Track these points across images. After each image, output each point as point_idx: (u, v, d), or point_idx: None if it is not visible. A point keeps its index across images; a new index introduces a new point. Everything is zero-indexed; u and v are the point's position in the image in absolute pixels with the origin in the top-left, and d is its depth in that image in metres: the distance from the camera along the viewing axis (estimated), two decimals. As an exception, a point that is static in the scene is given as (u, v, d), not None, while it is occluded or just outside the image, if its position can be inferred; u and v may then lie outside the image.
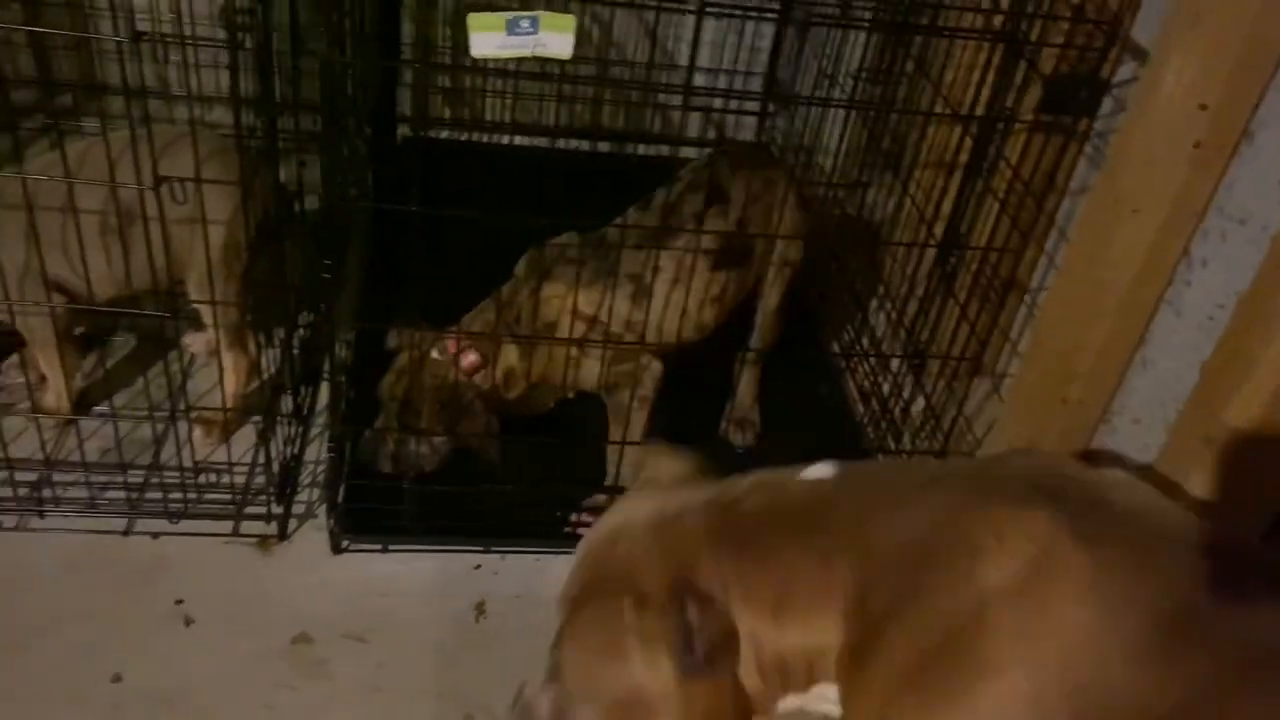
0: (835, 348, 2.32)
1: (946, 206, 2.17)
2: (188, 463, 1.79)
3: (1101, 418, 1.81)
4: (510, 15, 1.26)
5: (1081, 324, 1.76)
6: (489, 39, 1.27)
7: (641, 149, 2.89)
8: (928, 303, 1.98)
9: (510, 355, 1.77)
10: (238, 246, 1.75)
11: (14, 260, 1.67)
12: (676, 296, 1.76)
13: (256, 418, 1.92)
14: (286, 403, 1.89)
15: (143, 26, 2.26)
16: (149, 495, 1.77)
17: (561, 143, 2.77)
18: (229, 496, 1.78)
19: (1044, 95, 1.71)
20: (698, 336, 1.84)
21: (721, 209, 1.81)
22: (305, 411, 1.97)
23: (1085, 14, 1.48)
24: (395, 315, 1.85)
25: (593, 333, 1.75)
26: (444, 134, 2.80)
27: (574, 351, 1.75)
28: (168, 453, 1.84)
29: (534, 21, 1.26)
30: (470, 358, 1.76)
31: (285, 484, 1.81)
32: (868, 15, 2.11)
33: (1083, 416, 1.82)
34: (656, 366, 1.78)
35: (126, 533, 1.74)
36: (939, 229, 2.02)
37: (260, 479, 1.80)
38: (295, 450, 1.89)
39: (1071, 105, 1.66)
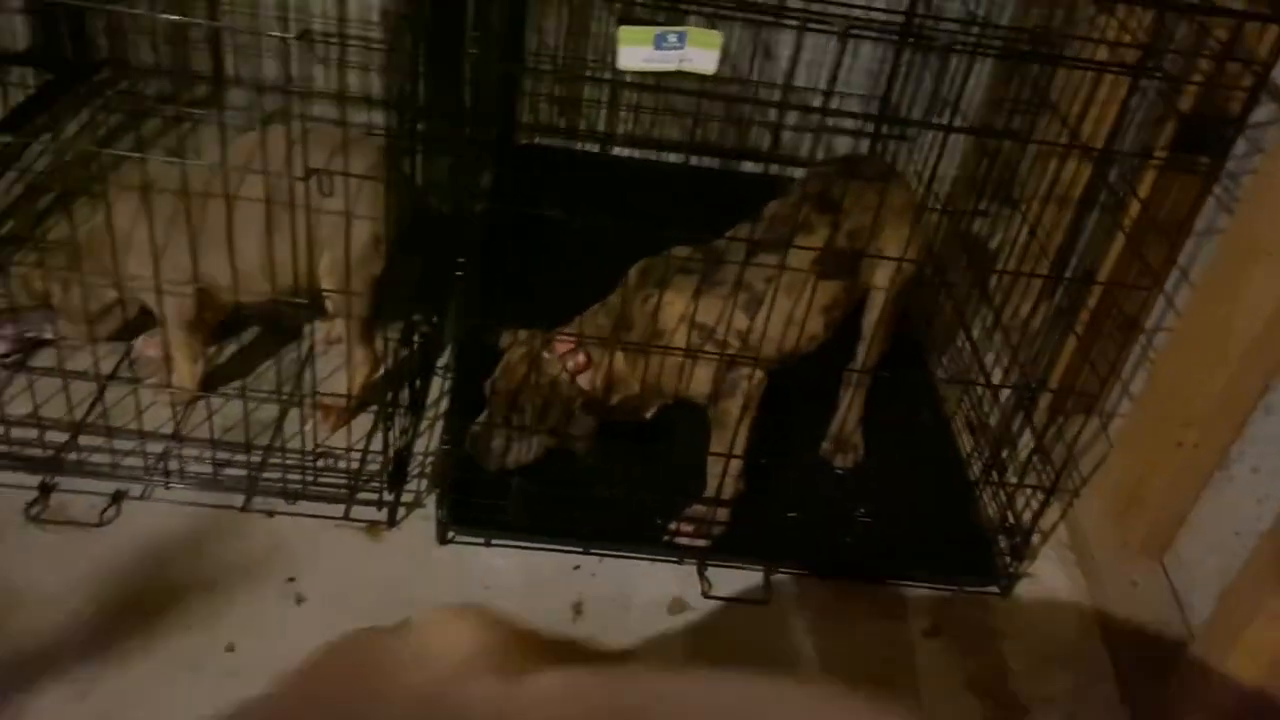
0: (941, 375, 2.30)
1: (1064, 239, 2.15)
2: (306, 446, 1.85)
3: (1218, 464, 1.78)
4: (659, 30, 1.29)
5: (1203, 367, 1.73)
6: (637, 52, 1.30)
7: (750, 166, 2.90)
8: (1043, 335, 1.96)
9: (618, 360, 1.79)
10: (378, 243, 1.81)
11: (158, 244, 1.75)
12: (786, 305, 1.77)
13: (373, 407, 1.98)
14: (404, 394, 1.95)
15: (275, 23, 2.35)
16: (268, 475, 1.83)
17: (668, 156, 2.79)
18: (343, 481, 1.84)
19: (1182, 133, 1.69)
20: (806, 348, 1.84)
21: (832, 217, 1.82)
22: (419, 404, 2.02)
23: (1234, 54, 1.46)
24: (505, 316, 1.88)
25: (706, 343, 1.77)
26: (555, 141, 2.84)
27: (685, 360, 1.77)
28: (287, 434, 1.91)
29: (681, 37, 1.28)
30: (578, 358, 1.78)
31: (398, 473, 1.86)
32: (997, 42, 2.10)
33: (1198, 461, 1.79)
34: (761, 378, 1.79)
35: (244, 509, 1.81)
36: (1053, 262, 2.00)
37: (373, 466, 1.86)
38: (408, 441, 1.94)
39: (1210, 145, 1.63)
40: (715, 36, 1.30)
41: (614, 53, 1.31)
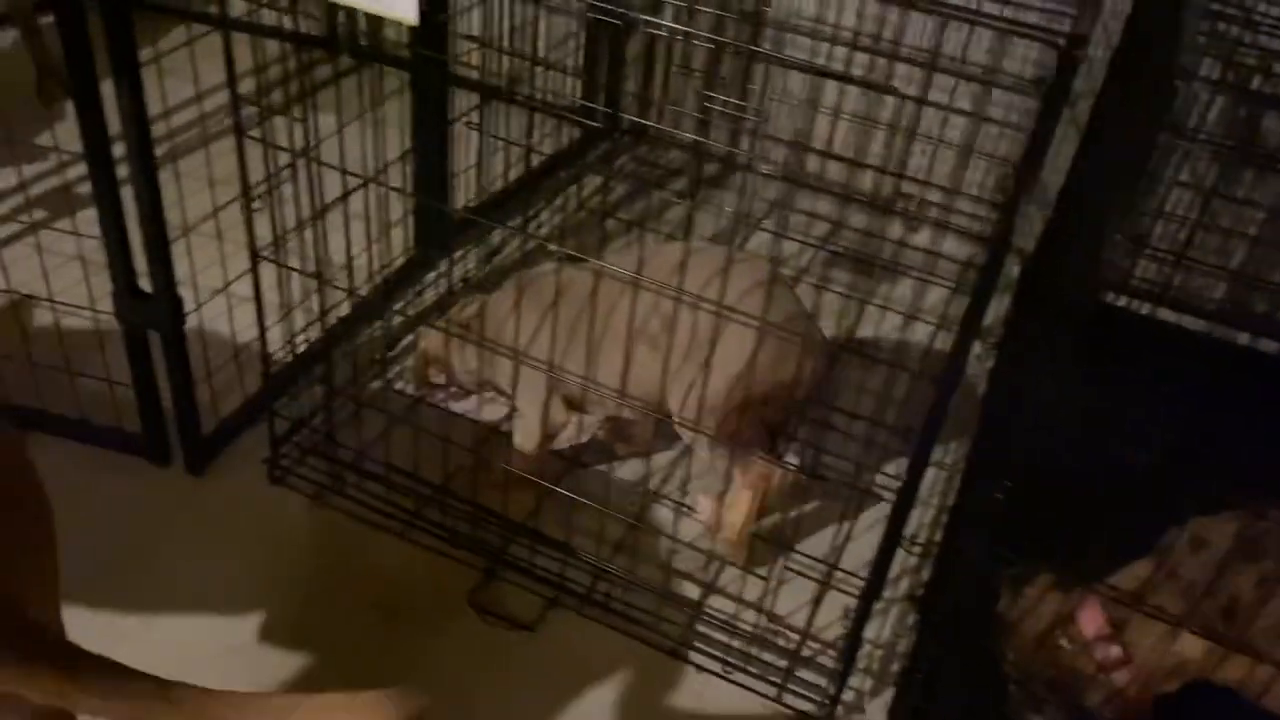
0: None
1: None
2: (733, 596, 1.66)
3: None
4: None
5: None
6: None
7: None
8: None
9: (1190, 642, 1.37)
10: (735, 387, 1.61)
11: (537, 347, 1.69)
12: None
13: (822, 571, 1.74)
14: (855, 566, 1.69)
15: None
16: (699, 629, 1.66)
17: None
18: (783, 660, 1.62)
19: None
20: None
21: None
22: (876, 581, 1.76)
23: None
24: (1016, 536, 1.53)
25: None
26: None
27: None
28: (726, 584, 1.73)
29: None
30: (1111, 650, 1.38)
31: (845, 661, 1.61)
32: None
33: None
34: None
35: (674, 655, 1.64)
36: None
37: (816, 644, 1.62)
38: (859, 622, 1.68)
39: None
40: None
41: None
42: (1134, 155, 1.65)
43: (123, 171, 1.55)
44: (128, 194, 1.57)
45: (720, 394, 1.61)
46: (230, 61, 1.40)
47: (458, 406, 1.96)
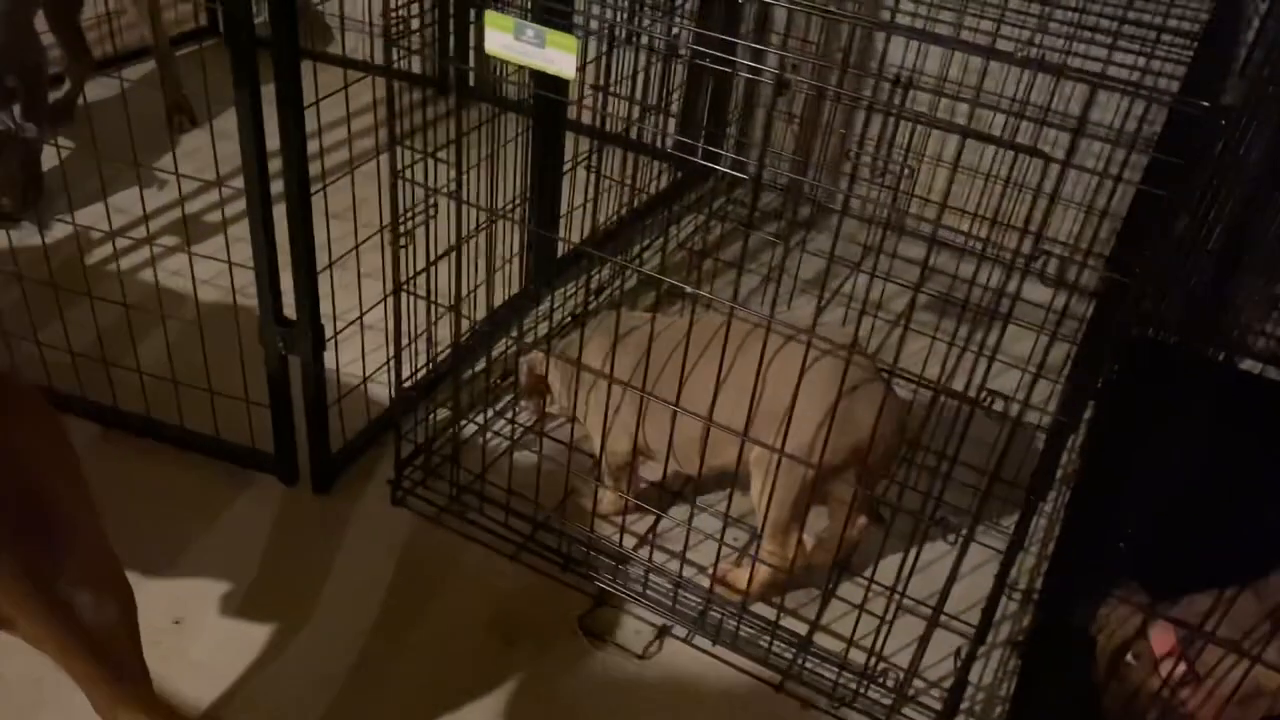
0: None
1: None
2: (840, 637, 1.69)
3: None
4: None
5: None
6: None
7: None
8: None
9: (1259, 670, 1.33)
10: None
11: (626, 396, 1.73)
12: None
13: (928, 613, 1.77)
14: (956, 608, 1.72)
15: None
16: (811, 664, 1.70)
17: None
18: (889, 698, 1.65)
19: None
20: None
21: None
22: (984, 625, 1.78)
23: None
24: (1100, 574, 1.55)
25: None
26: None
27: None
28: (834, 622, 1.77)
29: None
30: (1179, 669, 1.39)
31: (952, 703, 1.63)
32: None
33: None
34: None
35: (779, 688, 1.68)
36: None
37: (920, 683, 1.65)
38: (966, 665, 1.71)
39: None
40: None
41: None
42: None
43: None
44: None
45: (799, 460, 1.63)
46: (391, 108, 1.49)
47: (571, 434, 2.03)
